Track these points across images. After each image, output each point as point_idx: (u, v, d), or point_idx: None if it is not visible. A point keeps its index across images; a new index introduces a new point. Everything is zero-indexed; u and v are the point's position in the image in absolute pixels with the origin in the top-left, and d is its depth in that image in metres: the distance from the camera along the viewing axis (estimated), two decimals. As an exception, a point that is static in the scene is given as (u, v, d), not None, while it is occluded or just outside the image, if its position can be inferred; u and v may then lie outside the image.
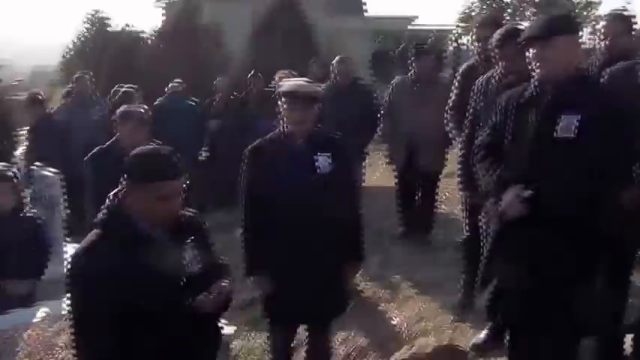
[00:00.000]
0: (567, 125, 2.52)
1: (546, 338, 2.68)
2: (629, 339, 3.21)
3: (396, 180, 5.95)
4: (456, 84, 4.31)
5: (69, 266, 1.99)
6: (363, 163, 6.31)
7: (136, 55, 12.07)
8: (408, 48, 10.87)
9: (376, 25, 17.64)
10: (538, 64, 2.63)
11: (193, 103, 7.52)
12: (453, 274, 4.47)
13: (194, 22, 11.57)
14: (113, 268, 1.91)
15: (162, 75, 9.97)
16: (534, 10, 29.93)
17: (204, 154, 7.59)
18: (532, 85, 2.70)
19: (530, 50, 2.66)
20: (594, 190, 2.56)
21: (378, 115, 5.86)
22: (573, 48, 2.64)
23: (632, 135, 2.58)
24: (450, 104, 4.34)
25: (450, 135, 4.41)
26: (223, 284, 2.16)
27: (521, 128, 2.66)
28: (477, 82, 3.62)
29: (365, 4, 15.13)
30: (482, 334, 3.75)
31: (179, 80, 7.65)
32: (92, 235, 2.03)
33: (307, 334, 3.34)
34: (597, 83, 2.93)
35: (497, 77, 3.43)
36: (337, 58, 6.06)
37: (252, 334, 4.40)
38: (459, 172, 3.71)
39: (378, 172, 8.05)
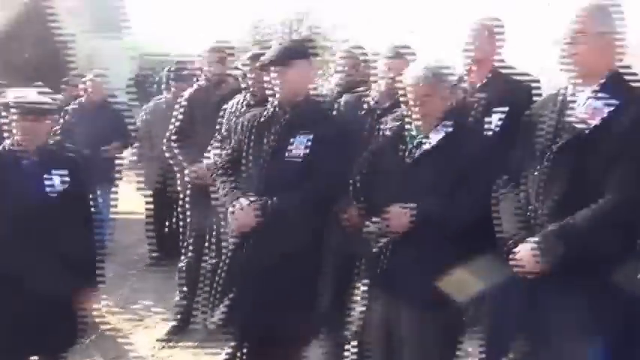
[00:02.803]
0: (298, 145, 2.69)
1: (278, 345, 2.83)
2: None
3: (148, 205, 5.76)
4: (182, 109, 4.18)
5: None
6: (113, 189, 5.99)
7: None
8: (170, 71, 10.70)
9: (139, 46, 17.19)
10: (277, 87, 2.76)
11: None
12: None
13: None
14: None
15: None
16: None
17: None
18: (270, 107, 2.83)
19: (270, 74, 2.79)
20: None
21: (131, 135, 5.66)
22: (308, 72, 2.83)
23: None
24: (175, 130, 4.19)
25: (176, 161, 4.25)
26: None
27: (258, 147, 2.76)
28: (228, 105, 3.69)
29: (127, 22, 14.59)
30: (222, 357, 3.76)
31: None
32: None
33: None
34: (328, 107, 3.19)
35: (245, 99, 3.54)
36: (90, 73, 5.73)
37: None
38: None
39: (130, 200, 7.72)
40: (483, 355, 2.66)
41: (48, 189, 2.75)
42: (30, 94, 2.90)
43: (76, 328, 3.03)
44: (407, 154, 2.66)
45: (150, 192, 5.63)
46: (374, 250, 2.72)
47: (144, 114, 5.68)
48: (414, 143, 2.67)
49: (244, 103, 3.57)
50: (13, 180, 2.70)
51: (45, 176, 2.76)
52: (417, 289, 2.57)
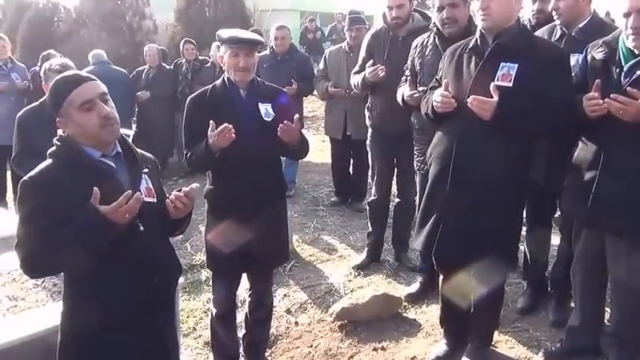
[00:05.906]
0: (506, 74, 2.66)
1: (475, 271, 2.87)
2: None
3: (330, 152, 6.02)
4: (366, 46, 4.31)
5: (19, 190, 1.91)
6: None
7: (55, 26, 11.54)
8: (340, 24, 10.82)
9: (305, 6, 17.75)
10: (482, 15, 2.72)
11: (124, 72, 7.27)
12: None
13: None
14: (63, 186, 1.88)
15: (84, 47, 9.60)
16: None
17: (133, 127, 7.34)
18: (475, 37, 2.81)
19: (475, 1, 2.77)
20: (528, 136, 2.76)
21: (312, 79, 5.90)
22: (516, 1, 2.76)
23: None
24: (358, 67, 4.37)
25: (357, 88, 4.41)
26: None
27: (461, 76, 2.79)
28: (413, 43, 3.70)
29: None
30: (414, 287, 3.94)
31: (100, 50, 7.34)
32: (43, 163, 1.97)
33: (250, 284, 3.33)
34: (534, 35, 3.08)
35: (432, 35, 3.52)
36: (276, 25, 6.03)
37: (192, 297, 4.39)
38: None
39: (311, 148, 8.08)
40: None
41: (263, 114, 3.00)
42: (240, 32, 3.14)
43: (284, 249, 3.29)
44: (622, 75, 2.55)
45: (332, 137, 5.89)
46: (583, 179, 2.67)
47: (325, 60, 5.83)
48: (629, 64, 2.56)
49: (430, 40, 3.55)
50: (231, 110, 2.95)
51: (257, 106, 3.01)
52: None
